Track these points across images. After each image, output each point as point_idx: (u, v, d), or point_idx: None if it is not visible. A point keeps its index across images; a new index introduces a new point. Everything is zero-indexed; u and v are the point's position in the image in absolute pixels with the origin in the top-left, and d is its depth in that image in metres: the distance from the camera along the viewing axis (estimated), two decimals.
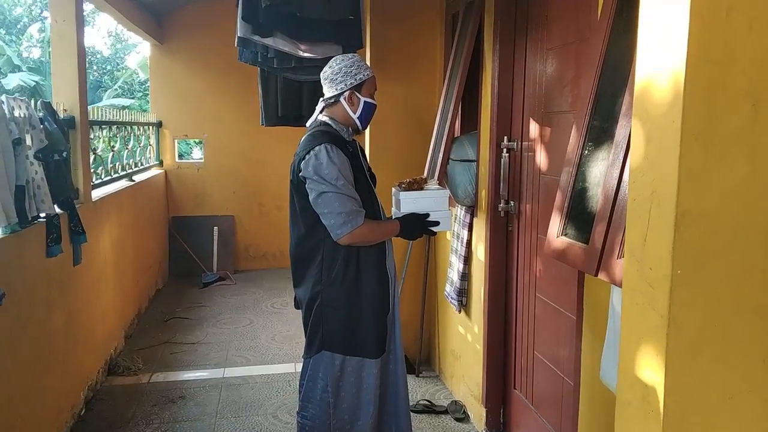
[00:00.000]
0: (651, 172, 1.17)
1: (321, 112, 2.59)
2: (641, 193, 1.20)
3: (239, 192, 7.27)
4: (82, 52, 4.03)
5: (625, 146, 1.64)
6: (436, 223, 2.68)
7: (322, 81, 2.58)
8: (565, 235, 1.93)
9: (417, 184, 2.74)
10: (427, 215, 2.66)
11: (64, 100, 3.94)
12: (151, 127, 6.85)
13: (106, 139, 5.18)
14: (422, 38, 4.13)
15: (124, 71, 19.48)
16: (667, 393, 1.13)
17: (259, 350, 4.81)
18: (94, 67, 19.33)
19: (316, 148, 2.41)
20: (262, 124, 4.18)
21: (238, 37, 3.31)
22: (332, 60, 2.57)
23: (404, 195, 2.69)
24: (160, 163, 7.08)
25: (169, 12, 6.86)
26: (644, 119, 1.20)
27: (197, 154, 11.10)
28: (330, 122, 2.56)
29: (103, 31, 25.35)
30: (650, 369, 1.17)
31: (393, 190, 2.82)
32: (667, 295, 1.11)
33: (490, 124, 3.18)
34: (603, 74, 1.87)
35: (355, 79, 2.51)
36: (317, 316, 2.54)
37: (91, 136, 4.58)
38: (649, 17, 1.21)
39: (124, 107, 12.81)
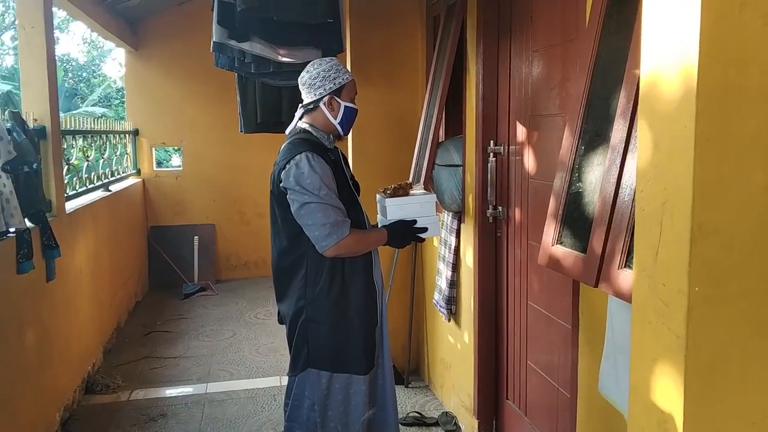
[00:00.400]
0: (661, 180, 1.08)
1: (300, 118, 2.50)
2: (651, 203, 1.11)
3: (219, 200, 7.13)
4: (52, 60, 3.89)
5: (622, 149, 1.57)
6: (425, 230, 2.59)
7: (300, 86, 2.48)
8: (561, 243, 1.85)
9: (402, 190, 2.65)
10: (415, 221, 2.58)
11: (34, 110, 3.79)
12: (127, 135, 6.70)
13: (81, 148, 5.03)
14: (404, 41, 4.04)
15: (101, 79, 19.18)
16: (686, 420, 1.04)
17: (243, 363, 4.68)
18: (70, 75, 18.99)
19: (297, 157, 2.31)
20: (241, 131, 4.07)
21: (214, 42, 3.20)
22: (309, 65, 2.48)
23: (390, 202, 2.59)
24: (138, 172, 6.92)
25: (144, 18, 6.73)
26: (651, 122, 1.11)
27: (176, 161, 10.92)
28: (310, 129, 2.46)
29: (78, 37, 24.96)
30: (666, 393, 1.09)
31: (377, 197, 2.73)
32: (684, 314, 1.03)
33: (476, 128, 3.10)
34: (595, 75, 1.79)
35: (335, 84, 2.42)
36: (302, 332, 2.43)
37: (65, 146, 4.44)
38: (654, 10, 1.12)
39: (98, 117, 12.59)
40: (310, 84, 2.43)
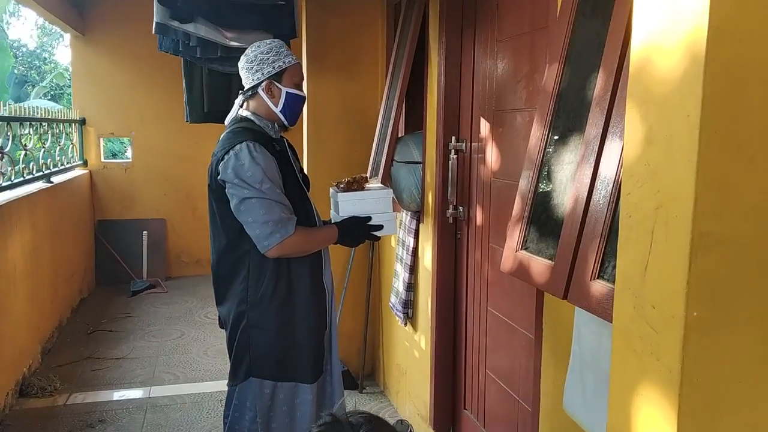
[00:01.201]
0: (655, 180, 0.90)
1: (241, 106, 2.29)
2: (640, 208, 0.93)
3: (171, 194, 6.82)
4: None
5: (597, 145, 1.40)
6: (380, 227, 2.41)
7: (240, 71, 2.28)
8: (526, 249, 1.68)
9: (357, 184, 2.46)
10: (369, 218, 2.39)
11: None
12: (73, 124, 6.35)
13: (18, 137, 4.70)
14: (363, 29, 3.83)
15: (52, 66, 18.51)
16: None
17: (190, 366, 4.45)
18: (19, 61, 18.27)
19: (237, 147, 2.10)
20: (187, 121, 3.82)
21: (156, 23, 2.95)
22: (249, 47, 2.27)
23: (343, 197, 2.40)
24: (85, 163, 6.58)
25: (92, 1, 6.37)
26: (644, 110, 0.93)
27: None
28: (252, 117, 2.25)
29: (31, 22, 24.05)
30: None
31: (331, 191, 2.54)
32: (679, 344, 0.85)
33: (437, 123, 2.92)
34: (567, 64, 1.63)
35: (273, 67, 2.21)
36: (243, 339, 2.23)
37: None
38: None
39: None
40: (248, 68, 2.24)
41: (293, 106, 2.26)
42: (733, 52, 0.84)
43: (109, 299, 6.05)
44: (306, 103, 3.77)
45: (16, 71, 16.81)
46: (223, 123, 3.71)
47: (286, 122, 2.28)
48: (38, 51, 19.71)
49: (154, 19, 2.96)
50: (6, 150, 4.38)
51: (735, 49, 0.84)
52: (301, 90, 2.29)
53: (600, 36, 1.50)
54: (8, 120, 4.47)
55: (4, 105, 4.65)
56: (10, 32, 19.88)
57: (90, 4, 6.40)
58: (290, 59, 2.25)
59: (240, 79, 3.58)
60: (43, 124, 5.35)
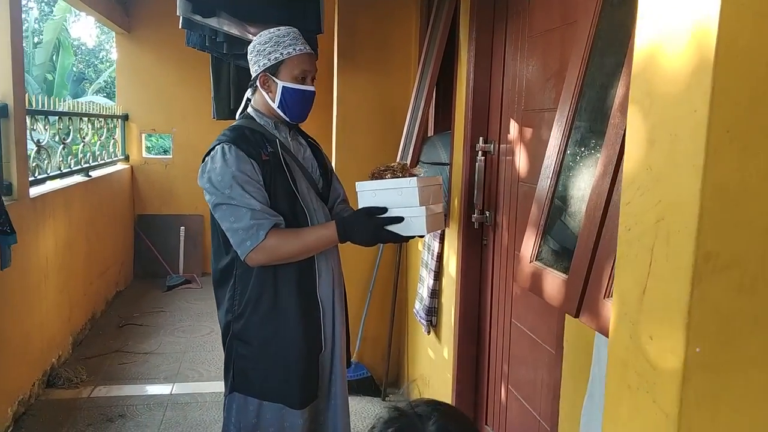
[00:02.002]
0: (656, 189, 0.76)
1: (249, 99, 2.19)
2: (640, 220, 0.79)
3: None
4: (17, 29, 3.60)
5: (618, 149, 1.26)
6: (397, 221, 1.96)
7: None
8: (540, 260, 1.54)
9: (392, 173, 2.03)
10: (384, 210, 1.97)
11: None
12: (116, 119, 6.44)
13: (57, 131, 4.76)
14: (396, 25, 3.72)
15: (108, 64, 19.05)
16: None
17: (215, 363, 4.42)
18: (78, 58, 18.88)
19: (215, 148, 2.01)
20: (214, 117, 3.78)
21: (182, 18, 2.90)
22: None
23: (361, 186, 2.05)
24: (126, 158, 6.67)
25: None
26: (646, 107, 0.79)
27: None
28: (254, 114, 2.14)
29: (90, 21, 24.84)
30: None
31: None
32: (677, 385, 0.71)
33: (464, 123, 2.78)
34: (591, 61, 1.49)
35: (269, 59, 2.05)
36: (229, 351, 2.11)
37: (34, 127, 4.18)
38: None
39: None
40: (249, 59, 2.13)
41: (294, 101, 2.08)
42: (749, 37, 0.68)
43: (144, 293, 6.11)
44: (336, 101, 3.70)
45: (75, 69, 17.35)
46: None
47: (286, 118, 2.12)
48: (96, 49, 20.34)
49: (179, 14, 2.92)
50: (43, 143, 4.43)
51: (751, 32, 0.68)
52: (305, 83, 2.09)
53: (627, 27, 1.35)
54: (46, 114, 4.52)
55: (62, 101, 4.74)
56: (72, 31, 20.59)
57: (136, 2, 6.49)
58: (291, 50, 2.06)
59: None
60: (84, 119, 5.42)
